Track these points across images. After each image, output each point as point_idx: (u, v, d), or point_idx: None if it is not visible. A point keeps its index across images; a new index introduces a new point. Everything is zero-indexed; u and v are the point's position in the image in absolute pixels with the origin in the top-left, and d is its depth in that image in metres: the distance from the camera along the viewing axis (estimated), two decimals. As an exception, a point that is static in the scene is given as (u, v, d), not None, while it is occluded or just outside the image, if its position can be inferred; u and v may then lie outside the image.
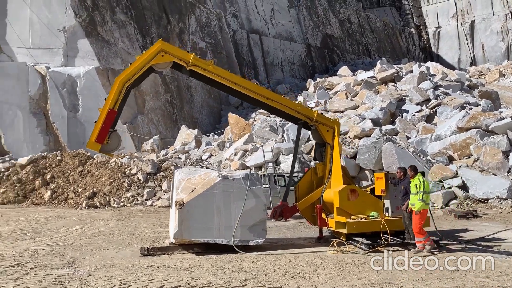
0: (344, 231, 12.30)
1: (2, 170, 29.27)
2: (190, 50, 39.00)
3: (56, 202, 25.80)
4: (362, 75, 36.57)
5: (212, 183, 11.78)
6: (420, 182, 11.31)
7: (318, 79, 40.33)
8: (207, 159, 28.63)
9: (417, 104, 30.20)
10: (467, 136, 22.28)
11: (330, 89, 37.63)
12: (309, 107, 33.13)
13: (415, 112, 29.55)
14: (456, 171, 21.47)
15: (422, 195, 11.18)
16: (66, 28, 33.94)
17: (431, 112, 29.35)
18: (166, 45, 12.94)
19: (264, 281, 8.78)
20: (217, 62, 40.93)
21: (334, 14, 51.95)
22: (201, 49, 39.66)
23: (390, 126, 27.38)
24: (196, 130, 33.43)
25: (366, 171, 22.82)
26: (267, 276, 9.20)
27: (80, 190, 26.45)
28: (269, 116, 35.95)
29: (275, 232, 15.00)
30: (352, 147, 23.53)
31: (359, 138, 24.09)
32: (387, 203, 12.60)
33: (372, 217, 12.34)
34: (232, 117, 30.61)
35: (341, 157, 22.66)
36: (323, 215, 13.18)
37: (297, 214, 14.02)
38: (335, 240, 11.94)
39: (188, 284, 8.63)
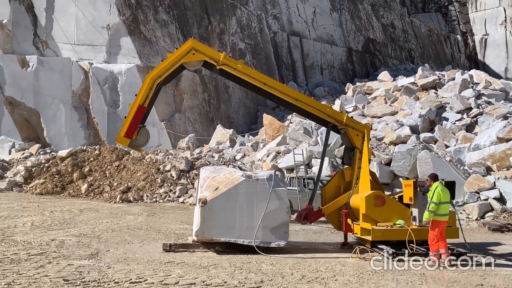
0: (369, 238, 12.08)
1: (43, 161, 30.05)
2: (229, 51, 39.30)
3: (92, 195, 26.30)
4: (403, 80, 35.96)
5: (236, 182, 11.77)
6: (432, 191, 10.92)
7: (358, 83, 39.85)
8: (240, 159, 28.70)
9: (457, 113, 29.49)
10: (507, 147, 21.58)
11: (369, 94, 37.16)
12: (346, 111, 32.93)
13: (455, 121, 28.84)
14: (494, 182, 20.82)
15: (429, 205, 10.81)
16: (110, 25, 34.67)
17: (472, 121, 28.59)
18: (197, 44, 13.02)
19: (280, 284, 8.70)
20: (255, 63, 41.01)
21: (377, 18, 51.29)
22: (241, 50, 39.82)
23: (429, 134, 26.82)
24: (232, 130, 33.57)
25: (400, 179, 22.37)
26: (283, 279, 9.12)
27: (115, 184, 26.92)
28: (305, 119, 35.82)
29: (300, 235, 14.88)
30: (387, 153, 23.13)
31: (395, 144, 23.67)
32: (415, 211, 12.30)
33: (399, 225, 12.07)
34: (267, 118, 30.60)
35: (373, 162, 22.44)
36: (349, 220, 12.98)
37: (324, 218, 13.86)
38: (358, 247, 11.72)
39: (203, 282, 8.63)
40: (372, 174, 13.96)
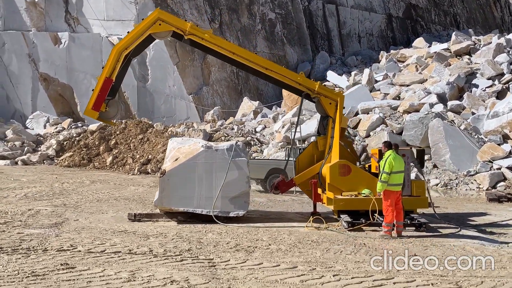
0: (332, 207, 11.85)
1: (74, 135, 31.14)
2: (259, 21, 38.96)
3: (115, 167, 27.10)
4: (436, 47, 34.42)
5: (195, 153, 11.80)
6: (384, 160, 10.48)
7: (392, 51, 38.54)
8: (260, 130, 28.63)
9: (489, 79, 28.02)
10: (526, 113, 20.39)
11: (403, 62, 35.87)
12: (376, 80, 32.00)
13: (486, 87, 27.44)
14: (510, 151, 19.79)
15: (381, 175, 10.40)
16: (138, 0, 35.06)
17: (504, 87, 27.10)
18: (163, 14, 12.98)
19: (205, 252, 8.73)
20: (286, 33, 40.39)
21: (420, -18, 49.17)
22: (270, 20, 39.30)
23: (457, 102, 25.68)
24: (257, 102, 33.43)
25: (413, 148, 21.62)
26: (215, 247, 9.14)
27: (137, 156, 27.57)
28: (334, 89, 35.15)
29: (278, 205, 14.80)
30: (399, 122, 22.39)
31: (409, 113, 22.85)
32: (381, 180, 11.91)
33: (364, 195, 11.74)
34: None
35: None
36: (320, 190, 12.75)
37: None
38: (313, 216, 11.53)
39: (130, 250, 8.80)
40: (349, 143, 13.64)
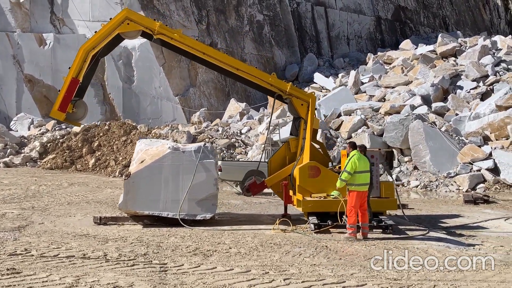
0: (300, 209, 11.68)
1: (58, 137, 30.87)
2: (247, 23, 38.81)
3: (97, 169, 26.86)
4: (422, 49, 34.41)
5: (162, 155, 11.61)
6: (348, 159, 10.34)
7: (379, 53, 38.49)
8: (246, 132, 28.46)
9: (473, 81, 28.00)
10: (506, 115, 20.28)
11: (389, 64, 35.83)
12: (362, 82, 31.89)
13: (470, 89, 27.39)
14: (490, 153, 19.68)
15: (342, 173, 10.26)
16: (123, 1, 34.85)
17: (488, 89, 27.05)
18: (131, 13, 12.79)
19: (161, 257, 8.54)
20: (274, 35, 40.17)
21: (409, -16, 49.17)
22: (258, 22, 39.18)
23: (441, 104, 25.60)
24: (244, 103, 33.27)
25: (393, 150, 21.52)
26: (173, 251, 8.95)
27: (120, 158, 27.33)
28: (321, 91, 35.04)
29: (253, 207, 14.61)
30: (380, 124, 22.26)
31: (390, 114, 22.73)
32: (352, 182, 11.74)
33: (332, 197, 11.57)
34: (271, 90, 30.04)
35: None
36: (291, 192, 12.59)
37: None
38: (280, 219, 11.35)
39: (84, 255, 8.59)
40: (321, 145, 13.49)
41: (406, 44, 38.01)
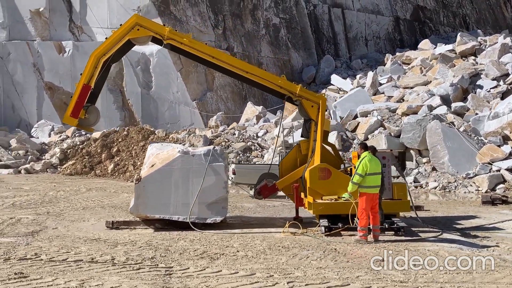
0: (311, 212, 11.60)
1: (78, 143, 31.25)
2: (263, 26, 38.82)
3: (116, 174, 27.11)
4: (441, 48, 33.96)
5: (171, 159, 11.64)
6: (359, 161, 10.20)
7: (398, 54, 38.12)
8: (262, 135, 28.42)
9: (493, 79, 27.52)
10: (526, 114, 19.89)
11: (408, 64, 35.46)
12: (380, 83, 31.63)
13: (490, 88, 26.93)
14: (510, 152, 19.33)
15: (353, 176, 10.13)
16: (140, 7, 35.15)
17: (509, 88, 26.59)
18: (141, 19, 12.91)
19: (167, 260, 8.55)
20: (291, 38, 40.14)
21: (428, -17, 48.64)
22: (275, 25, 39.16)
23: (461, 104, 25.24)
24: (261, 106, 33.25)
25: (411, 151, 21.28)
26: (180, 255, 8.95)
27: (138, 163, 27.50)
28: (338, 93, 34.85)
29: (266, 211, 14.56)
30: (397, 125, 22.02)
31: (407, 115, 22.46)
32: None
33: (344, 199, 11.45)
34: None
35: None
36: (302, 194, 12.50)
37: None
38: (289, 222, 11.27)
39: (92, 259, 8.65)
40: (331, 145, 13.39)
41: (425, 44, 37.57)
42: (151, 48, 34.90)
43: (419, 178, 20.44)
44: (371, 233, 10.15)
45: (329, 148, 13.14)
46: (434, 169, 20.41)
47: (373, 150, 10.67)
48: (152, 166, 11.71)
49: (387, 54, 39.09)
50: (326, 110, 13.36)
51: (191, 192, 11.53)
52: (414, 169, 21.03)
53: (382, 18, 46.76)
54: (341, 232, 10.79)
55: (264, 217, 13.51)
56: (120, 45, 12.74)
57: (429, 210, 14.28)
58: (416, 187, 19.93)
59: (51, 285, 7.03)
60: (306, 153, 12.96)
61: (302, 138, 13.62)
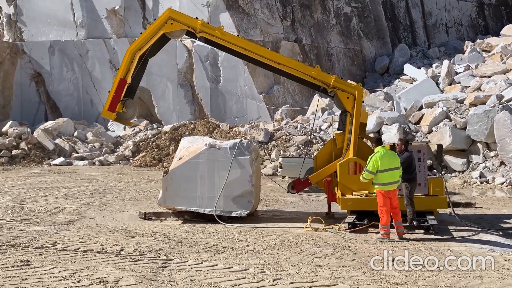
0: (339, 208, 11.15)
1: (150, 136, 32.33)
2: (333, 16, 38.03)
3: (181, 166, 27.68)
4: (524, 33, 31.54)
5: (198, 152, 11.64)
6: (370, 157, 9.59)
7: (478, 41, 35.90)
8: (326, 128, 27.88)
9: None
10: None
11: (489, 51, 33.30)
12: (456, 72, 29.95)
13: None
14: None
15: (363, 172, 9.52)
16: (209, 2, 35.63)
17: None
18: (174, 13, 12.97)
19: (173, 253, 8.54)
20: (363, 27, 39.08)
21: (516, -37, 45.43)
22: (346, 15, 38.23)
23: (541, 94, 23.36)
24: (328, 99, 32.58)
25: (478, 144, 19.96)
26: (189, 248, 8.92)
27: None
28: (411, 83, 33.41)
29: (307, 205, 14.26)
30: (464, 116, 20.70)
31: (475, 106, 21.06)
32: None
33: (374, 195, 10.89)
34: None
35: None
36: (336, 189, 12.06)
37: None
38: (312, 217, 10.86)
39: (103, 249, 8.83)
40: (370, 139, 12.79)
41: (508, 29, 35.02)
42: (220, 42, 35.16)
43: (486, 173, 19.13)
44: (395, 230, 9.58)
45: (367, 142, 12.60)
46: (502, 163, 19.02)
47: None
48: (180, 159, 11.77)
49: (466, 42, 36.94)
50: (363, 102, 12.69)
51: (217, 185, 11.48)
52: (481, 163, 19.71)
53: (465, 3, 44.35)
54: (368, 228, 10.28)
55: (297, 212, 13.19)
56: (154, 39, 12.90)
57: (480, 207, 13.29)
58: (481, 182, 18.69)
59: (45, 273, 7.23)
60: (341, 146, 12.49)
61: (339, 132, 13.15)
